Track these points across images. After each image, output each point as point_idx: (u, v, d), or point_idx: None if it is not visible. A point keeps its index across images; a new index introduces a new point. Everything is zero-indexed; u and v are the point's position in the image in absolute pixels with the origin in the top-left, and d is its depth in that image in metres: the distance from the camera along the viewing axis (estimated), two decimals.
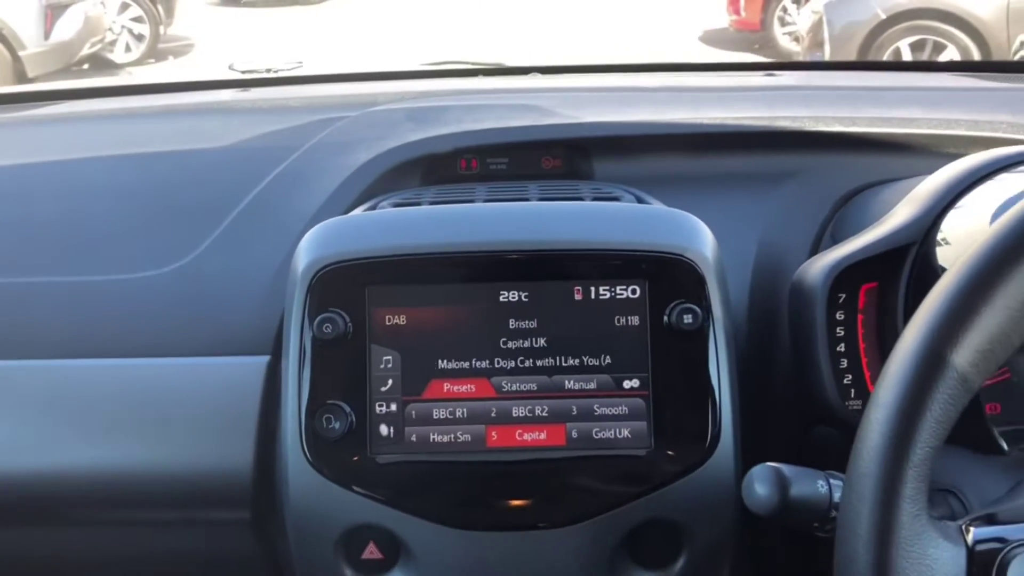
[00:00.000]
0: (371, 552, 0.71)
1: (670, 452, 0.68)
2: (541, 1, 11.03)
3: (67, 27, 6.67)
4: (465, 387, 0.69)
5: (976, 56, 5.83)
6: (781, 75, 1.12)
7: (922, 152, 0.88)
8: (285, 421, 0.69)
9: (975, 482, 0.57)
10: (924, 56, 6.02)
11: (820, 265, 0.71)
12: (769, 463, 0.55)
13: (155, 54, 8.55)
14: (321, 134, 0.94)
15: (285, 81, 1.20)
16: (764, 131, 0.91)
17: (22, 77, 6.38)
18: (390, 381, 0.69)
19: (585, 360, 0.69)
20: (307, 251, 0.71)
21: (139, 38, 8.52)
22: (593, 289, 0.69)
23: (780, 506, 0.54)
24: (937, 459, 0.62)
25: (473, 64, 1.28)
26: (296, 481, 0.69)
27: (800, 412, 0.73)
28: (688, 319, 0.68)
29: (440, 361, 0.69)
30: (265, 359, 0.78)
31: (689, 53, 8.59)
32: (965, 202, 0.72)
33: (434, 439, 0.69)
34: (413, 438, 0.69)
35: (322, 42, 9.25)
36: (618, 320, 0.69)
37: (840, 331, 0.69)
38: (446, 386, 0.69)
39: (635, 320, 0.69)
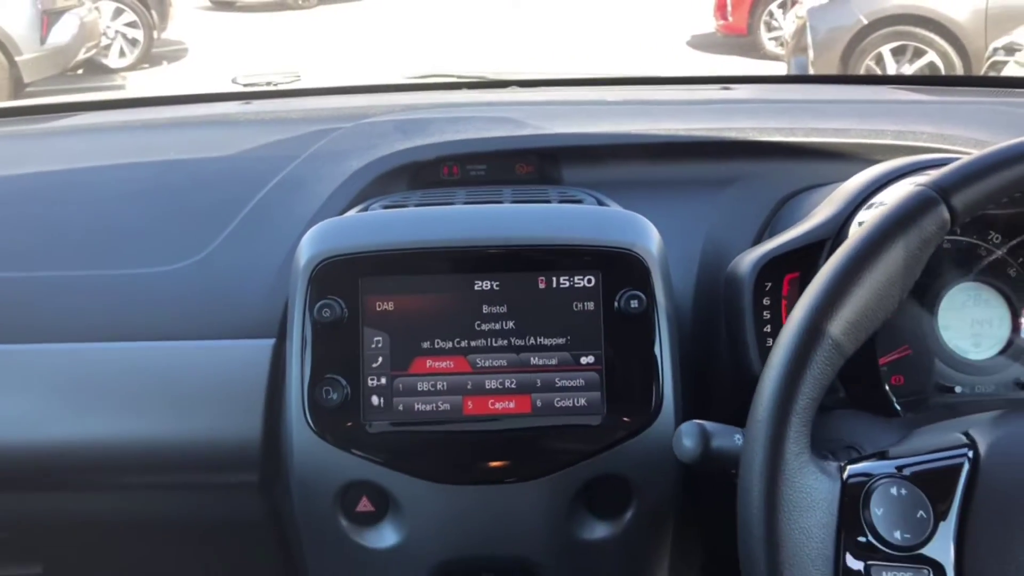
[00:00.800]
0: (364, 505, 0.80)
1: (620, 417, 0.78)
2: (537, 6, 11.14)
3: (63, 32, 6.68)
4: (445, 363, 0.79)
5: (956, 60, 5.91)
6: (736, 88, 1.22)
7: (853, 159, 0.98)
8: (290, 393, 0.79)
9: (872, 438, 0.67)
10: (905, 60, 6.10)
11: (749, 258, 0.81)
12: (695, 420, 0.66)
13: (149, 59, 8.54)
14: (318, 144, 1.03)
15: (284, 94, 1.30)
16: (713, 141, 1.01)
17: (18, 82, 6.41)
18: (380, 358, 0.78)
19: (547, 340, 0.79)
20: (308, 247, 0.80)
21: (133, 43, 8.51)
22: (554, 279, 0.79)
23: (703, 456, 0.64)
24: (843, 420, 0.73)
25: (457, 77, 1.38)
26: (300, 445, 0.79)
27: (735, 384, 0.83)
28: (635, 304, 0.78)
29: (423, 341, 0.79)
30: (271, 342, 0.87)
31: (678, 57, 8.67)
32: (876, 200, 0.82)
33: (418, 408, 0.78)
34: (400, 407, 0.78)
35: (313, 46, 9.32)
36: (576, 305, 0.79)
37: (766, 315, 0.80)
38: (428, 362, 0.79)
39: (590, 305, 0.79)
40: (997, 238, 0.82)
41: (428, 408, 0.78)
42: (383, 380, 0.78)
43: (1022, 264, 0.81)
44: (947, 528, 0.55)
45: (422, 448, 0.78)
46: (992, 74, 4.35)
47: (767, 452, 0.55)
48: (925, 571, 0.54)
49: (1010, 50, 4.25)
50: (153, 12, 8.73)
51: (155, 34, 8.71)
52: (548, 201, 0.91)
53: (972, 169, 0.57)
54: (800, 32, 6.48)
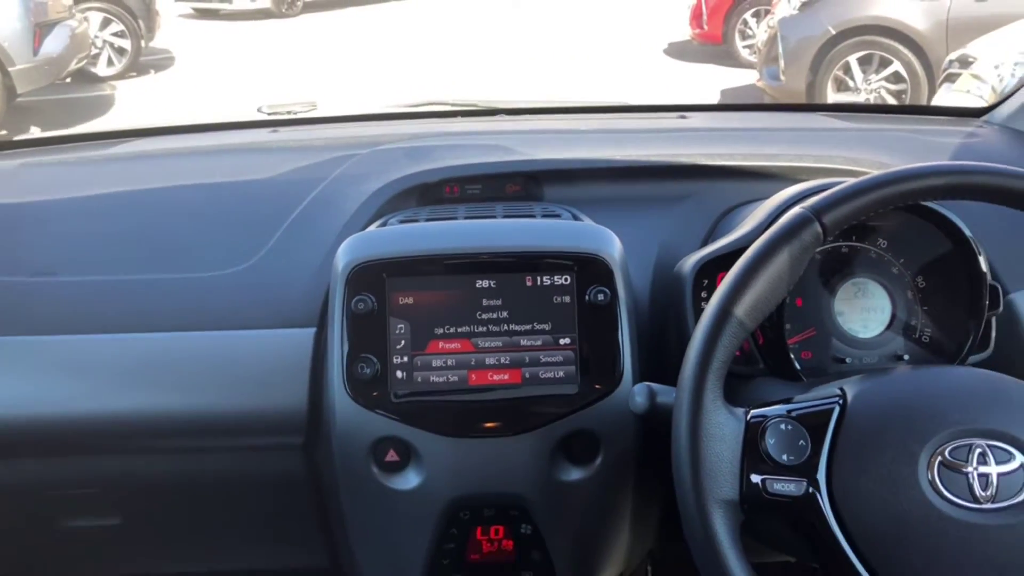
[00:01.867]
0: (391, 456, 1.00)
1: (590, 385, 0.98)
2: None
3: (55, 44, 6.72)
4: (453, 345, 0.99)
5: (919, 69, 6.10)
6: (690, 117, 1.42)
7: (781, 179, 1.17)
8: (332, 369, 0.99)
9: (779, 394, 0.88)
10: (872, 69, 6.30)
11: (691, 261, 1.03)
12: (644, 383, 0.87)
13: (137, 68, 8.61)
14: (341, 168, 1.22)
15: (304, 122, 1.50)
16: (668, 165, 1.21)
17: (11, 92, 6.52)
18: (403, 341, 0.98)
19: (534, 326, 0.99)
20: (344, 255, 1.00)
21: (121, 52, 8.55)
22: (538, 278, 0.99)
23: (650, 408, 0.85)
24: (762, 384, 0.94)
25: (452, 105, 1.59)
26: (340, 410, 0.98)
27: (680, 357, 1.03)
28: (601, 297, 0.98)
29: (436, 328, 0.99)
30: (312, 330, 1.06)
31: (655, 66, 8.87)
32: None
33: (433, 379, 0.98)
34: (419, 379, 0.98)
35: (298, 55, 9.45)
36: (555, 299, 0.99)
37: (703, 304, 1.00)
38: (440, 344, 0.99)
39: (567, 299, 0.99)
40: (883, 244, 1.04)
41: (441, 380, 0.98)
42: (405, 358, 0.98)
43: (902, 263, 1.04)
44: (821, 452, 0.77)
45: (436, 410, 0.98)
46: (947, 84, 4.58)
47: (691, 400, 0.77)
48: (804, 482, 0.76)
49: (963, 62, 4.46)
50: (140, 22, 8.77)
51: (143, 43, 8.75)
52: (533, 216, 1.12)
53: (839, 196, 0.79)
54: (771, 42, 6.58)
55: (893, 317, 1.03)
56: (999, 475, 0.74)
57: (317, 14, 12.27)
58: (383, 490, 0.99)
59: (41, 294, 1.10)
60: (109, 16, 8.58)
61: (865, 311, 1.03)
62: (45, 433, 1.07)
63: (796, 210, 0.79)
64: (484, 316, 0.99)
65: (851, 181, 0.81)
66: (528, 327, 0.99)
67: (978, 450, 0.74)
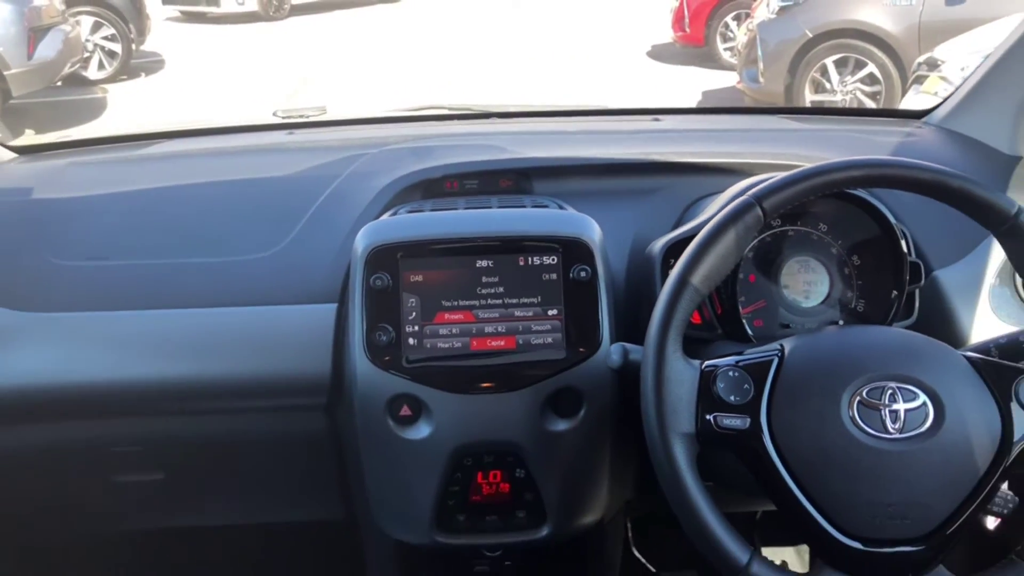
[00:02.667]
0: (405, 411, 1.13)
1: (575, 349, 1.13)
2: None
3: (48, 48, 6.80)
4: (457, 316, 1.14)
5: (892, 71, 6.27)
6: (663, 119, 1.59)
7: (741, 173, 1.32)
8: (353, 337, 1.13)
9: (732, 352, 1.04)
10: (848, 71, 6.47)
11: (660, 243, 1.20)
12: (620, 343, 1.03)
13: (127, 71, 8.73)
14: (353, 166, 1.38)
15: (317, 124, 1.67)
16: (642, 162, 1.37)
17: (6, 95, 6.61)
18: (414, 313, 1.14)
19: (526, 299, 1.14)
20: (363, 239, 1.15)
21: (111, 55, 8.65)
22: (530, 258, 1.15)
23: (624, 365, 1.02)
24: (719, 345, 1.11)
25: (449, 109, 1.75)
26: (361, 372, 1.13)
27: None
28: (584, 274, 1.14)
29: (443, 301, 1.14)
30: (334, 306, 1.21)
31: (638, 68, 9.02)
32: None
33: (440, 346, 1.14)
34: (428, 345, 1.14)
35: (286, 56, 9.57)
36: (544, 276, 1.15)
37: None
38: (446, 316, 1.14)
39: (554, 276, 1.15)
40: (824, 228, 1.21)
41: (447, 346, 1.14)
42: (416, 327, 1.14)
43: (839, 244, 1.21)
44: (762, 394, 0.93)
45: (443, 372, 1.13)
46: (915, 86, 4.76)
47: (656, 352, 0.93)
48: (747, 418, 0.92)
49: (932, 65, 4.64)
50: (131, 25, 8.84)
51: (133, 47, 8.85)
52: (524, 206, 1.28)
53: (776, 185, 0.96)
54: (751, 45, 6.74)
55: (831, 289, 1.21)
56: (906, 411, 0.90)
57: (304, 17, 12.39)
58: (398, 440, 1.15)
59: (95, 276, 1.25)
60: (100, 20, 8.66)
61: (807, 284, 1.21)
62: (98, 397, 1.22)
63: (740, 196, 0.96)
64: (483, 291, 1.15)
65: (787, 172, 0.98)
66: (521, 300, 1.15)
67: (889, 391, 0.91)
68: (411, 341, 1.13)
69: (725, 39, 8.66)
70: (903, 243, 1.17)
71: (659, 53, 9.52)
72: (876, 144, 1.45)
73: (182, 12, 12.14)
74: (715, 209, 1.18)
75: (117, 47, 8.74)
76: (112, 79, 8.63)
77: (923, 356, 0.95)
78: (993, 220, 0.96)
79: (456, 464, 1.16)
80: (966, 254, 1.23)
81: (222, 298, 1.24)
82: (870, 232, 1.19)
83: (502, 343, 1.14)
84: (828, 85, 6.43)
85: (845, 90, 6.41)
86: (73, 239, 1.29)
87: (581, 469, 1.19)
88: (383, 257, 1.14)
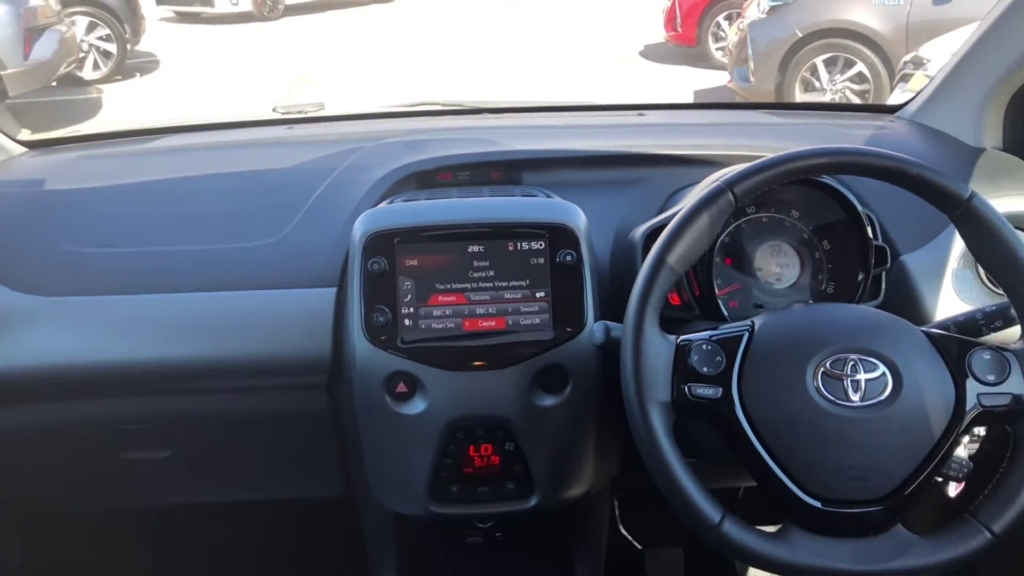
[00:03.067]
0: (401, 388, 1.18)
1: (561, 329, 1.19)
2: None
3: (45, 48, 6.84)
4: (450, 298, 1.20)
5: (881, 69, 6.35)
6: (647, 114, 1.66)
7: (719, 164, 1.38)
8: (352, 318, 1.19)
9: (708, 329, 1.11)
10: (837, 70, 6.55)
11: (641, 229, 1.26)
12: (603, 321, 1.10)
13: (122, 71, 8.79)
14: (350, 159, 1.44)
15: (316, 119, 1.73)
16: (626, 154, 1.44)
17: (2, 95, 6.64)
18: (409, 295, 1.19)
19: (515, 282, 1.20)
20: (361, 226, 1.21)
21: (106, 55, 8.72)
22: (519, 243, 1.21)
23: (606, 341, 1.09)
24: (696, 324, 1.17)
25: (443, 105, 1.82)
26: (360, 351, 1.19)
27: None
28: (569, 259, 1.20)
29: (437, 284, 1.20)
30: (334, 289, 1.27)
31: (631, 67, 9.11)
32: None
33: (434, 326, 1.20)
34: (423, 325, 1.20)
35: (280, 56, 9.63)
36: (532, 260, 1.21)
37: None
38: (440, 298, 1.20)
39: (541, 260, 1.21)
40: (796, 215, 1.29)
41: (440, 326, 1.20)
42: (412, 309, 1.19)
43: (810, 230, 1.28)
44: (733, 366, 1.00)
45: (437, 350, 1.19)
46: (901, 84, 4.85)
47: (634, 326, 1.00)
48: (719, 388, 0.98)
49: (917, 63, 4.72)
50: (126, 26, 8.90)
51: (128, 47, 8.93)
52: (513, 196, 1.35)
53: (746, 172, 1.03)
54: (741, 44, 6.82)
55: (802, 272, 1.28)
56: (867, 381, 0.97)
57: (299, 17, 12.45)
58: (394, 415, 1.21)
59: (105, 262, 1.31)
60: (95, 20, 8.71)
61: (780, 267, 1.28)
62: (108, 377, 1.28)
63: (713, 183, 1.04)
64: (475, 275, 1.20)
65: (757, 161, 1.05)
66: (510, 283, 1.20)
67: (851, 362, 0.98)
68: (407, 322, 1.19)
69: (717, 39, 8.73)
70: (869, 229, 1.24)
71: (651, 53, 9.61)
72: (849, 136, 1.53)
73: (176, 12, 12.19)
74: (693, 198, 1.25)
75: (112, 47, 8.80)
76: (107, 79, 8.69)
77: (883, 331, 1.02)
78: (948, 204, 1.03)
79: (449, 438, 1.22)
80: (931, 239, 1.30)
81: (227, 283, 1.29)
82: (838, 218, 1.26)
83: (493, 324, 1.20)
84: (818, 84, 6.52)
85: (834, 89, 6.50)
86: (84, 227, 1.35)
87: (567, 442, 1.26)
88: (380, 243, 1.20)
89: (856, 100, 6.39)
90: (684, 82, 8.15)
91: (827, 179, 1.25)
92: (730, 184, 1.02)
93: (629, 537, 1.81)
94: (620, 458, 1.37)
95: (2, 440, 1.35)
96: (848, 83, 6.49)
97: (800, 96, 6.55)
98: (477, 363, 1.20)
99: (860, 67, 6.40)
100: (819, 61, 6.48)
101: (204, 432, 1.38)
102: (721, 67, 8.00)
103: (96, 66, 8.77)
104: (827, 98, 6.48)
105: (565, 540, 1.49)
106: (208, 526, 1.75)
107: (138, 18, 9.18)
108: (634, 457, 1.01)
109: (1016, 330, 1.05)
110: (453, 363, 1.20)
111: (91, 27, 8.72)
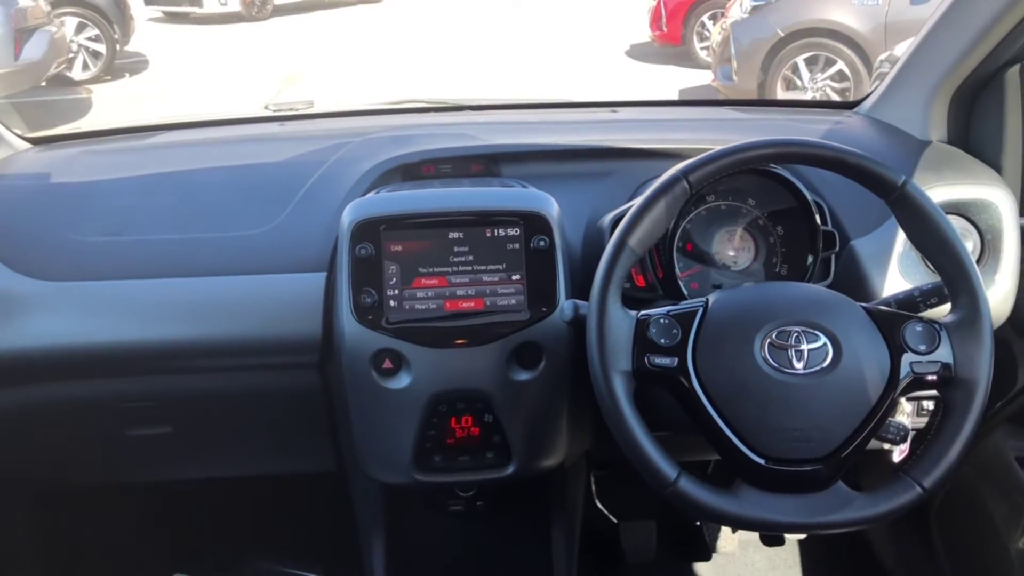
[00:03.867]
0: (387, 364, 1.27)
1: (536, 309, 1.28)
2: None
3: (35, 49, 6.85)
4: (432, 281, 1.28)
5: (861, 68, 6.47)
6: (619, 111, 1.76)
7: (686, 157, 1.43)
8: (341, 300, 1.27)
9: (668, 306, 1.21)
10: (818, 68, 6.65)
11: (609, 217, 1.35)
12: (572, 299, 1.19)
13: (112, 71, 8.82)
14: (339, 153, 1.52)
15: (306, 116, 1.82)
16: (599, 148, 1.52)
17: None
18: (394, 278, 1.28)
19: (493, 266, 1.29)
20: (349, 214, 1.30)
21: (96, 56, 8.75)
22: (496, 230, 1.30)
23: (575, 318, 1.18)
24: (659, 303, 1.27)
25: (427, 102, 1.91)
26: (348, 330, 1.27)
27: None
28: (543, 244, 1.29)
29: (420, 268, 1.28)
30: (324, 274, 1.34)
31: (617, 67, 9.19)
32: None
33: (417, 307, 1.28)
34: (407, 306, 1.28)
35: (269, 56, 9.68)
36: (508, 245, 1.28)
37: None
38: (423, 281, 1.28)
39: (517, 245, 1.28)
40: (752, 202, 1.38)
41: (423, 307, 1.28)
42: (397, 291, 1.27)
43: (765, 216, 1.38)
44: (688, 338, 1.09)
45: (421, 330, 1.28)
46: (878, 82, 4.93)
47: (598, 302, 1.09)
48: (676, 358, 1.08)
49: (892, 61, 4.77)
50: (115, 26, 8.92)
51: (117, 47, 8.95)
52: (492, 186, 1.45)
53: (700, 161, 1.13)
54: (724, 43, 6.91)
55: (757, 255, 1.38)
56: (809, 350, 1.06)
57: (287, 17, 12.49)
58: (381, 390, 1.29)
59: (108, 249, 1.39)
60: (84, 21, 8.73)
61: (736, 251, 1.38)
62: (112, 357, 1.36)
63: (670, 172, 1.13)
64: (455, 260, 1.29)
65: (710, 151, 1.15)
66: (488, 267, 1.29)
67: (795, 334, 1.07)
68: (392, 303, 1.28)
69: (701, 38, 8.81)
70: (817, 215, 1.34)
71: (637, 52, 9.68)
72: (807, 131, 1.62)
73: (165, 13, 12.21)
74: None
75: (101, 48, 8.83)
76: (96, 79, 8.72)
77: (825, 306, 1.12)
78: (884, 190, 1.13)
79: (432, 410, 1.31)
80: (880, 225, 1.40)
81: (224, 268, 1.37)
82: (791, 206, 1.36)
83: (472, 304, 1.29)
84: (799, 82, 6.61)
85: (815, 87, 6.60)
86: (88, 217, 1.43)
87: (542, 414, 1.35)
88: (367, 230, 1.28)
89: (837, 98, 6.48)
90: (670, 81, 8.24)
91: (779, 169, 1.34)
92: (685, 173, 1.12)
93: (605, 511, 1.91)
94: (593, 430, 1.45)
95: (10, 419, 1.43)
96: (829, 81, 6.58)
97: (782, 94, 6.65)
98: (458, 341, 1.29)
99: (840, 65, 6.50)
100: (800, 60, 6.56)
101: (204, 409, 1.46)
102: (706, 66, 8.07)
103: (85, 66, 8.79)
104: (808, 96, 6.58)
105: (543, 509, 1.59)
106: (206, 500, 1.83)
107: (127, 19, 9.18)
108: (605, 428, 1.08)
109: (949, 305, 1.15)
110: (435, 341, 1.29)
111: (80, 28, 8.74)
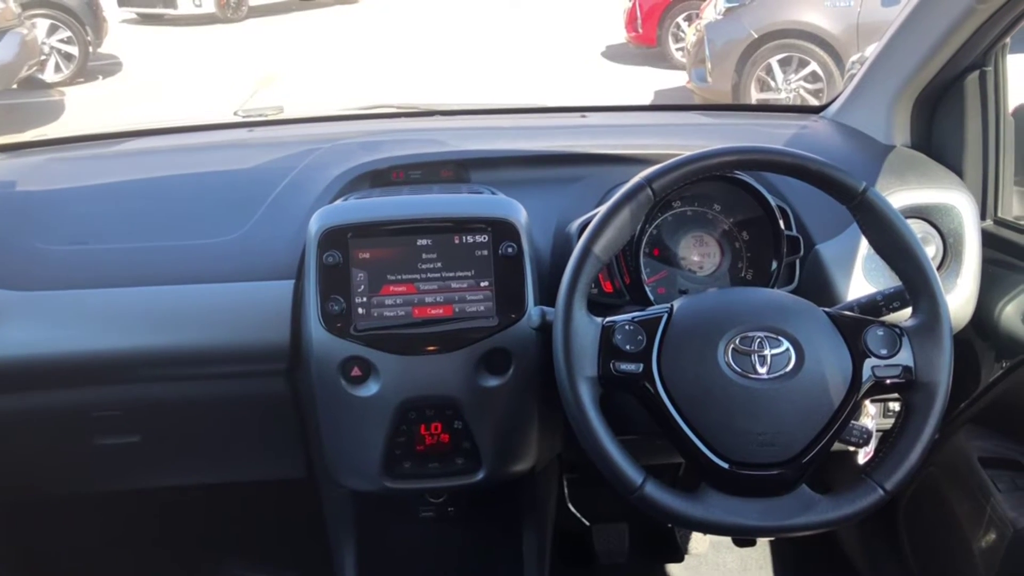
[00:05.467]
0: (355, 371, 1.27)
1: (504, 316, 1.28)
2: (455, 25, 11.55)
3: (6, 51, 6.82)
4: (401, 288, 1.29)
5: (834, 69, 6.54)
6: (588, 116, 1.77)
7: (653, 163, 1.45)
8: (308, 308, 1.28)
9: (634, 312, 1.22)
10: (792, 69, 6.71)
11: (576, 222, 1.36)
12: (539, 306, 1.20)
13: (84, 73, 8.75)
14: (308, 159, 1.52)
15: (275, 122, 1.82)
16: (567, 154, 1.53)
17: None
18: (362, 286, 1.28)
19: (461, 273, 1.29)
20: (316, 221, 1.29)
21: (68, 58, 8.69)
22: (464, 236, 1.30)
23: (542, 324, 1.18)
24: (626, 308, 1.28)
25: (397, 108, 1.92)
26: (316, 338, 1.27)
27: None
28: (511, 251, 1.29)
29: (388, 275, 1.28)
30: (292, 281, 1.35)
31: (592, 67, 9.22)
32: None
33: (386, 314, 1.28)
34: (375, 314, 1.28)
35: (244, 57, 9.63)
36: (477, 252, 1.28)
37: None
38: (391, 288, 1.28)
39: (485, 252, 1.28)
40: (718, 208, 1.40)
41: (392, 314, 1.28)
42: (365, 298, 1.27)
43: (731, 222, 1.39)
44: (653, 343, 1.10)
45: (389, 337, 1.28)
46: (849, 83, 4.98)
47: (564, 309, 1.10)
48: (641, 364, 1.09)
49: (863, 63, 4.87)
50: (88, 28, 8.85)
51: (90, 49, 8.90)
52: (460, 193, 1.45)
53: (663, 169, 1.14)
54: (699, 45, 6.95)
55: (722, 260, 1.39)
56: (772, 355, 1.08)
57: (262, 19, 12.43)
58: (350, 398, 1.29)
59: (76, 258, 1.38)
60: (56, 23, 8.67)
61: (702, 256, 1.40)
62: (80, 366, 1.35)
63: (634, 180, 1.14)
64: (424, 266, 1.29)
65: (673, 159, 1.16)
66: (457, 274, 1.29)
67: (758, 339, 1.08)
68: (360, 311, 1.28)
69: (677, 39, 8.84)
70: (781, 221, 1.36)
71: (613, 53, 9.72)
72: (772, 136, 1.64)
73: (139, 14, 12.13)
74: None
75: (74, 50, 8.77)
76: (69, 82, 8.66)
77: (788, 311, 1.13)
78: (845, 196, 1.14)
79: (401, 417, 1.31)
80: (844, 230, 1.42)
81: (192, 277, 1.37)
82: (755, 211, 1.37)
83: (441, 311, 1.29)
84: (773, 84, 6.67)
85: (789, 88, 6.66)
86: (55, 226, 1.42)
87: (512, 420, 1.35)
88: (334, 237, 1.28)
89: (810, 99, 6.55)
90: (645, 83, 8.27)
91: (743, 175, 1.36)
92: (649, 180, 1.13)
93: (578, 514, 1.92)
94: (563, 434, 1.46)
95: None
96: (802, 82, 6.64)
97: (756, 95, 6.70)
98: (427, 348, 1.29)
99: (813, 67, 6.56)
100: (774, 61, 6.62)
101: (173, 417, 1.45)
102: (682, 67, 8.10)
103: (58, 68, 8.73)
104: (782, 96, 6.64)
105: (514, 514, 1.60)
106: (177, 509, 1.83)
107: (100, 20, 9.11)
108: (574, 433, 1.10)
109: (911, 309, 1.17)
110: (404, 348, 1.29)
111: (52, 30, 8.68)
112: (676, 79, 8.07)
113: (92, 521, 1.82)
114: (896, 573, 1.65)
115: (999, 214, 1.56)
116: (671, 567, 2.06)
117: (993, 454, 1.35)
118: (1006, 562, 1.27)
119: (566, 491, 1.90)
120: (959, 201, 1.43)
